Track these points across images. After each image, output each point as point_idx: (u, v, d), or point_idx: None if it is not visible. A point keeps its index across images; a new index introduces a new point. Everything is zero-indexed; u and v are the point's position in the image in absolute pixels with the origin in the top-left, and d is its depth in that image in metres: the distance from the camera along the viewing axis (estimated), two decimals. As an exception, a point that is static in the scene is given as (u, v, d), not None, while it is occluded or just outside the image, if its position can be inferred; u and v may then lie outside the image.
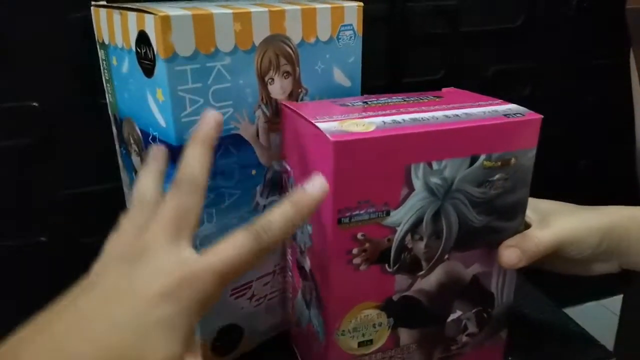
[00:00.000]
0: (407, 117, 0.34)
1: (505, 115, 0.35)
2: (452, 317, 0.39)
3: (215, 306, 0.41)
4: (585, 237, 0.38)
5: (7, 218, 0.57)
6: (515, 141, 0.35)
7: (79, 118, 0.55)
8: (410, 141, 0.32)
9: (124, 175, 0.47)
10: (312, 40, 0.39)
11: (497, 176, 0.35)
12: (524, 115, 0.35)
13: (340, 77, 0.42)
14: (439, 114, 0.35)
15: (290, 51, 0.39)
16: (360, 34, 0.43)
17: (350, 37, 0.42)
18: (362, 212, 0.32)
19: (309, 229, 0.36)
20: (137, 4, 0.38)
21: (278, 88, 0.39)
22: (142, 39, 0.34)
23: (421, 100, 0.39)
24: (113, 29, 0.38)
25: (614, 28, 0.69)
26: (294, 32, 0.38)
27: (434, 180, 0.33)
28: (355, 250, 0.34)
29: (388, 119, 0.34)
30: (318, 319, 0.37)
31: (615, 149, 0.84)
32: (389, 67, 0.64)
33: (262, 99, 0.38)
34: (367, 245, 0.34)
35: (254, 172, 0.40)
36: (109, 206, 0.58)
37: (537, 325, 0.51)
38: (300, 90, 0.40)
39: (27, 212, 0.57)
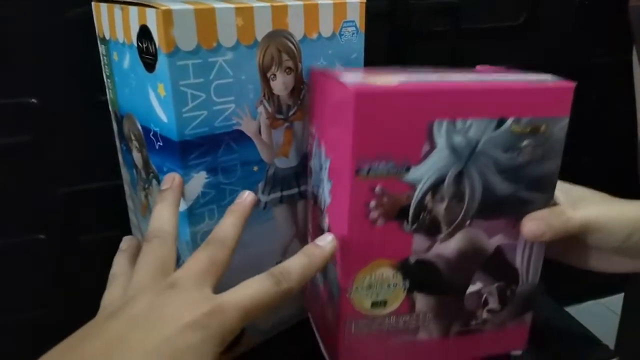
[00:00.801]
0: (435, 76, 0.34)
1: (537, 81, 0.35)
2: (472, 288, 0.38)
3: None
4: (616, 226, 0.37)
5: (6, 216, 0.56)
6: (546, 107, 0.34)
7: (78, 114, 0.55)
8: (434, 97, 0.32)
9: (124, 172, 0.46)
10: (315, 36, 0.39)
11: (525, 142, 0.34)
12: (555, 81, 0.35)
13: (342, 74, 0.42)
14: (469, 76, 0.35)
15: (293, 47, 0.38)
16: (363, 30, 0.42)
17: (353, 33, 0.41)
18: (381, 165, 0.32)
19: (329, 186, 0.36)
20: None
21: (280, 84, 0.38)
22: (144, 33, 0.34)
23: (455, 71, 0.38)
24: (114, 23, 0.38)
25: (616, 25, 0.68)
26: (296, 28, 0.38)
27: (458, 139, 0.33)
28: (372, 204, 0.33)
29: (415, 76, 0.34)
30: (333, 275, 0.36)
31: (618, 146, 0.84)
32: (391, 63, 0.64)
33: (264, 95, 0.38)
34: (385, 199, 0.33)
35: (255, 168, 0.39)
36: (109, 204, 0.58)
37: (539, 324, 0.50)
38: (302, 86, 0.40)
39: (26, 210, 0.57)
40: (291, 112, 0.40)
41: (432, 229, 0.35)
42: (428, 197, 0.34)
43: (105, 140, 0.50)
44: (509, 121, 0.33)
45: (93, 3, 0.41)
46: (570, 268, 0.43)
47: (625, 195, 0.43)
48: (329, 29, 0.40)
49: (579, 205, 0.37)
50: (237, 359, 0.45)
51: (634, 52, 0.62)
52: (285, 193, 0.42)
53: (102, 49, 0.42)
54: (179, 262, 0.41)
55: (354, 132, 0.31)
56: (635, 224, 0.37)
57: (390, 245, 0.35)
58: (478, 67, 0.43)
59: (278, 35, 0.37)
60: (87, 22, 0.44)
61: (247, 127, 0.38)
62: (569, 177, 0.39)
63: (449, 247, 0.36)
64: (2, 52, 0.51)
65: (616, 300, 0.95)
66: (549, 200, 0.37)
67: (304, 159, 0.42)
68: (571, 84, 0.35)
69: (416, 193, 0.34)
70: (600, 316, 0.92)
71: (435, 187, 0.34)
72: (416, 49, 0.65)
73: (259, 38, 0.36)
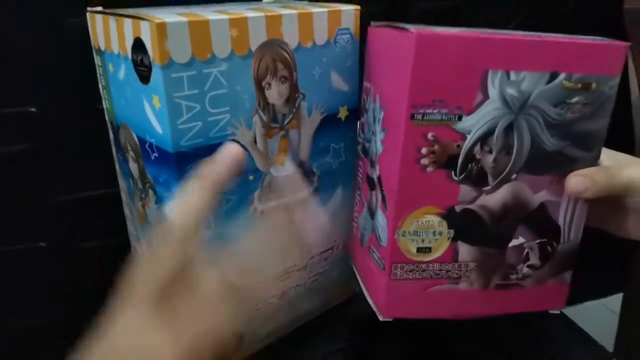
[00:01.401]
0: (499, 31, 0.35)
1: (590, 39, 0.35)
2: (514, 242, 0.38)
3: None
4: None
5: (6, 224, 0.56)
6: (598, 65, 0.35)
7: (77, 123, 0.55)
8: (491, 46, 0.33)
9: (121, 181, 0.47)
10: (309, 44, 0.39)
11: (575, 99, 0.35)
12: (608, 41, 0.35)
13: (337, 81, 0.42)
14: (531, 32, 0.35)
15: (287, 56, 0.38)
16: (357, 37, 0.42)
17: (348, 40, 0.42)
18: (435, 111, 0.33)
19: (382, 135, 0.37)
20: (133, 9, 0.38)
21: (275, 93, 0.39)
22: (138, 45, 0.34)
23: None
24: (109, 35, 0.38)
25: (612, 28, 0.69)
26: (291, 37, 0.38)
27: (510, 91, 0.33)
28: (424, 150, 0.34)
29: (479, 29, 0.35)
30: (382, 222, 0.37)
31: (614, 148, 0.84)
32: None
33: (259, 104, 0.38)
34: (436, 146, 0.34)
35: (251, 177, 0.40)
36: (109, 211, 0.58)
37: (536, 326, 0.50)
38: (297, 95, 0.40)
39: (25, 218, 0.57)
40: (286, 121, 0.40)
41: (479, 180, 0.36)
42: (477, 148, 0.35)
43: (104, 148, 0.50)
44: (561, 76, 0.34)
45: (88, 14, 0.41)
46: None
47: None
48: (324, 37, 0.40)
49: (624, 166, 0.37)
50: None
51: (629, 54, 0.62)
52: (281, 201, 0.42)
53: (97, 59, 0.43)
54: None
55: (412, 76, 0.32)
56: None
57: (438, 193, 0.36)
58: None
59: (272, 45, 0.37)
60: (85, 32, 0.44)
61: (243, 137, 0.38)
62: None
63: (494, 199, 0.37)
64: (1, 61, 0.51)
65: (614, 300, 0.95)
66: (595, 160, 0.38)
67: (300, 166, 0.43)
68: (624, 44, 0.35)
69: (466, 143, 0.34)
70: (599, 316, 0.92)
71: (484, 138, 0.35)
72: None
73: (254, 48, 0.36)
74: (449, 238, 0.37)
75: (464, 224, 0.37)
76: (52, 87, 0.53)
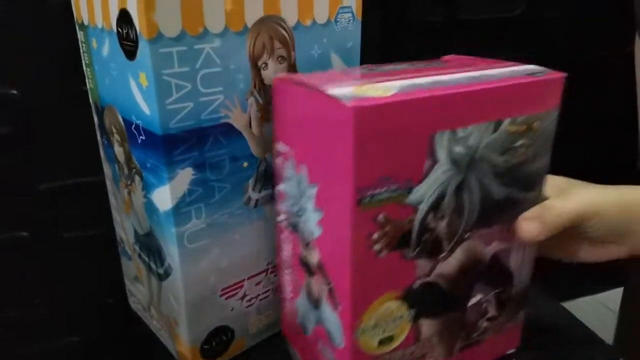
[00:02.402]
0: (426, 80, 0.31)
1: (527, 74, 0.33)
2: (473, 301, 0.37)
3: (205, 307, 0.39)
4: (605, 210, 0.36)
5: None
6: (539, 102, 0.33)
7: (60, 106, 0.52)
8: (436, 104, 0.29)
9: (106, 167, 0.44)
10: (309, 22, 0.37)
11: (520, 142, 0.33)
12: (545, 74, 0.33)
13: (337, 63, 0.40)
14: (458, 76, 0.32)
15: (286, 34, 0.36)
16: (360, 18, 0.40)
17: (349, 20, 0.39)
18: (383, 189, 0.29)
19: (317, 216, 0.33)
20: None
21: (272, 74, 0.36)
22: (124, 18, 0.31)
23: (430, 66, 0.36)
24: (92, 7, 0.35)
25: (617, 18, 0.67)
26: (290, 14, 0.36)
27: (458, 149, 0.31)
28: (375, 235, 0.30)
29: (406, 82, 0.31)
30: (332, 318, 0.34)
31: (617, 139, 0.82)
32: (385, 54, 0.62)
33: (254, 86, 0.35)
34: (388, 227, 0.30)
35: (245, 164, 0.37)
36: (92, 200, 0.55)
37: (540, 324, 0.49)
38: (295, 76, 0.37)
39: (7, 206, 0.54)
40: (284, 104, 0.38)
41: (434, 250, 0.33)
42: (430, 217, 0.32)
43: (89, 133, 0.47)
44: (506, 122, 0.32)
45: (71, -14, 0.38)
46: (565, 264, 0.41)
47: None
48: (324, 15, 0.38)
49: (567, 193, 0.36)
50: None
51: (636, 41, 0.60)
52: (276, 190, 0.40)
53: (80, 35, 0.40)
54: (163, 264, 0.38)
55: (355, 156, 0.28)
56: (621, 207, 0.36)
57: (394, 276, 0.32)
58: (445, 57, 0.41)
59: (270, 22, 0.35)
60: (68, 10, 0.41)
61: (237, 120, 0.35)
62: (566, 172, 0.38)
63: (450, 264, 0.34)
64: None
65: (608, 297, 0.94)
66: (538, 197, 0.36)
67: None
68: (561, 74, 0.33)
69: (418, 215, 0.31)
70: (597, 314, 0.91)
71: (436, 205, 0.32)
72: (411, 40, 0.63)
73: (250, 24, 0.34)
74: (409, 320, 0.34)
75: (423, 300, 0.34)
76: (35, 68, 0.51)
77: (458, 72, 0.33)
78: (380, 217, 0.30)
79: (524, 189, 0.35)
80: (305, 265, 0.35)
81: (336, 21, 0.38)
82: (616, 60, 0.75)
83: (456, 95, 0.29)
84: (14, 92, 0.51)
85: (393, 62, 0.37)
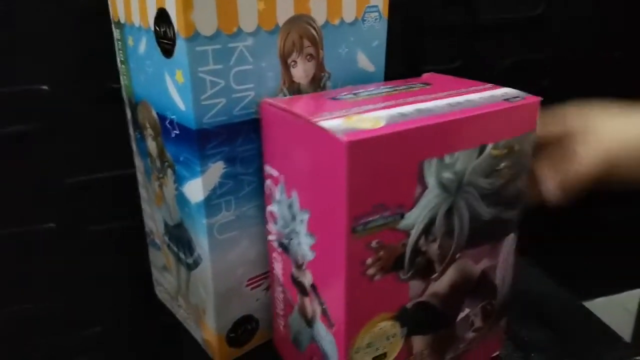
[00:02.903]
0: (410, 108, 0.32)
1: (505, 100, 0.34)
2: (461, 315, 0.38)
3: (232, 297, 0.40)
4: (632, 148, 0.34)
5: (17, 204, 0.55)
6: (519, 126, 0.34)
7: (90, 102, 0.54)
8: (424, 135, 0.30)
9: (137, 160, 0.45)
10: (337, 21, 0.38)
11: (503, 164, 0.34)
12: (523, 98, 0.35)
13: (364, 62, 0.41)
14: (441, 102, 0.33)
15: (315, 33, 0.37)
16: (386, 16, 0.41)
17: (376, 19, 0.40)
18: (376, 217, 0.30)
19: (310, 241, 0.33)
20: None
21: (301, 71, 0.37)
22: (162, 17, 0.32)
23: (412, 89, 0.37)
24: (130, 6, 0.37)
25: (636, 16, 0.67)
26: (319, 13, 0.37)
27: (446, 175, 0.32)
28: (369, 260, 0.31)
29: (393, 111, 0.32)
30: (326, 337, 0.35)
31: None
32: (406, 55, 0.62)
33: (284, 83, 0.37)
34: (381, 253, 0.32)
35: (274, 159, 0.38)
36: (120, 193, 0.57)
37: (558, 321, 0.49)
38: (323, 74, 0.39)
39: (36, 199, 0.56)
40: (311, 101, 0.39)
41: (426, 271, 0.34)
42: (422, 240, 0.33)
43: (117, 128, 0.49)
44: (489, 147, 0.33)
45: (108, -15, 0.40)
46: (580, 265, 0.42)
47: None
48: (352, 13, 0.39)
49: (588, 142, 0.35)
50: (249, 352, 0.44)
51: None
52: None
53: (116, 33, 0.41)
54: (192, 254, 0.40)
55: (348, 187, 0.28)
56: None
57: (388, 297, 0.33)
58: (425, 75, 0.42)
59: (300, 21, 0.36)
60: (101, 8, 0.43)
61: (266, 116, 0.37)
62: None
63: (442, 283, 0.35)
64: (13, 38, 0.50)
65: (630, 299, 0.94)
66: (519, 213, 0.38)
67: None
68: (537, 98, 0.35)
69: (410, 239, 0.32)
70: (615, 314, 0.91)
71: (428, 228, 0.33)
72: (431, 40, 0.63)
73: (280, 23, 0.35)
74: (402, 336, 0.35)
75: (416, 318, 0.35)
76: (66, 64, 0.52)
77: (439, 99, 0.34)
78: (374, 243, 0.31)
79: (509, 207, 0.37)
80: (299, 285, 0.36)
81: (363, 20, 0.39)
82: (637, 60, 0.75)
83: (442, 124, 0.30)
84: (45, 87, 0.53)
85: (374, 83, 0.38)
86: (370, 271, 0.31)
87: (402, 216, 0.31)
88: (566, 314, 0.51)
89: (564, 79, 0.73)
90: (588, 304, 0.54)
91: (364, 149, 0.28)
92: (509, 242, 0.39)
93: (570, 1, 0.68)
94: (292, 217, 0.34)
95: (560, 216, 0.87)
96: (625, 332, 0.88)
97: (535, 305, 0.51)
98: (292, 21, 0.35)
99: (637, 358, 0.46)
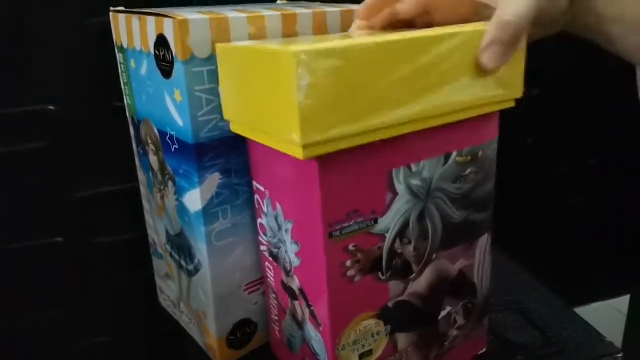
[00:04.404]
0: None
1: None
2: (443, 313, 0.40)
3: (230, 301, 0.43)
4: None
5: (25, 219, 0.58)
6: (480, 135, 0.37)
7: (94, 120, 0.57)
8: (390, 146, 0.33)
9: (141, 174, 0.48)
10: (323, 42, 0.41)
11: (469, 170, 0.37)
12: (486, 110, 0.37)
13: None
14: None
15: (302, 53, 0.40)
16: (369, 36, 0.44)
17: (360, 39, 0.43)
18: (351, 223, 0.33)
19: (294, 248, 0.36)
20: (154, 9, 0.40)
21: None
22: (161, 42, 0.36)
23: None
24: (132, 33, 0.40)
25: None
26: (306, 34, 0.40)
27: (415, 182, 0.35)
28: (348, 263, 0.34)
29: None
30: (316, 337, 0.37)
31: (627, 147, 0.85)
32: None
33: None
34: (359, 255, 0.34)
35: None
36: (124, 207, 0.60)
37: (544, 323, 0.51)
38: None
39: (44, 213, 0.59)
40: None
41: (404, 272, 0.37)
42: (397, 243, 0.35)
43: (120, 144, 0.51)
44: (454, 155, 0.36)
45: (111, 13, 0.43)
46: (576, 270, 0.44)
47: (635, 196, 0.44)
48: (337, 31, 0.42)
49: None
50: (249, 355, 0.46)
51: None
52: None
53: (119, 57, 0.44)
54: (193, 261, 0.42)
55: (322, 198, 0.31)
56: None
57: (370, 297, 0.36)
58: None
59: (288, 42, 0.39)
60: (104, 32, 0.46)
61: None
62: (578, 177, 0.40)
63: (420, 283, 0.38)
64: (22, 62, 0.53)
65: (623, 302, 0.95)
66: (490, 215, 0.40)
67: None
68: (496, 113, 0.38)
69: (386, 242, 0.35)
70: (607, 317, 0.92)
71: (402, 232, 0.35)
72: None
73: (270, 45, 0.38)
74: (387, 334, 0.38)
75: (398, 316, 0.37)
76: (71, 85, 0.55)
77: None
78: (351, 246, 0.33)
79: (478, 210, 0.39)
80: (289, 291, 0.39)
81: (348, 40, 0.42)
82: (623, 68, 0.77)
83: (408, 136, 0.33)
84: (51, 107, 0.56)
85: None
86: (350, 273, 0.34)
87: (375, 221, 0.34)
88: (552, 316, 0.52)
89: (554, 87, 0.75)
90: (583, 310, 0.56)
91: (334, 169, 0.31)
92: (483, 242, 0.41)
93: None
94: (279, 228, 0.37)
95: (555, 220, 0.89)
96: (619, 334, 0.90)
97: (521, 307, 0.53)
98: (281, 43, 0.38)
99: (619, 356, 0.47)
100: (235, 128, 0.36)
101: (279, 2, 0.52)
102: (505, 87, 0.35)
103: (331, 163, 0.31)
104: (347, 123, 0.29)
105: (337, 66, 0.28)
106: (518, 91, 0.36)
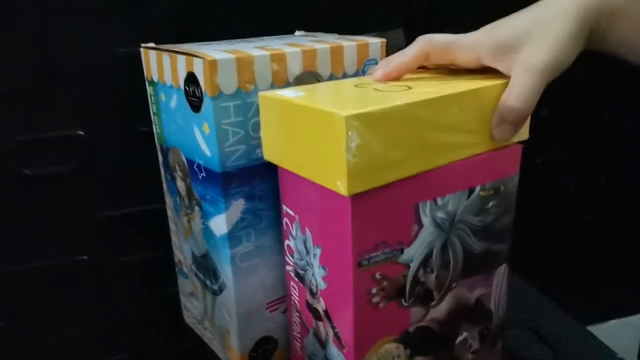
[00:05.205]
0: None
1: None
2: (460, 339, 0.42)
3: (253, 319, 0.45)
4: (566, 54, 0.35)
5: (52, 238, 0.61)
6: (503, 170, 0.40)
7: (120, 144, 0.60)
8: (418, 181, 0.35)
9: (168, 198, 0.51)
10: (340, 75, 0.43)
11: (491, 204, 0.39)
12: (506, 145, 0.40)
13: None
14: None
15: (321, 85, 0.42)
16: (383, 67, 0.46)
17: (375, 70, 0.46)
18: (379, 253, 0.35)
19: (322, 272, 0.38)
20: (182, 45, 0.43)
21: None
22: (191, 79, 0.38)
23: None
24: (162, 68, 0.43)
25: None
26: (324, 69, 0.42)
27: (440, 214, 0.37)
28: (374, 290, 0.36)
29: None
30: (339, 358, 0.39)
31: (633, 164, 0.86)
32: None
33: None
34: (384, 283, 0.36)
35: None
36: (147, 226, 0.62)
37: (555, 339, 0.52)
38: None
39: (70, 233, 0.61)
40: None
41: (426, 299, 0.39)
42: (420, 272, 0.37)
43: (145, 167, 0.54)
44: (477, 189, 0.38)
45: (142, 49, 0.46)
46: (590, 288, 0.45)
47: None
48: (353, 67, 0.44)
49: (517, 69, 0.35)
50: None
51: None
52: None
53: (149, 89, 0.47)
54: (217, 281, 0.45)
55: (353, 230, 0.33)
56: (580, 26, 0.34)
57: (392, 322, 0.38)
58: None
59: (308, 76, 0.41)
60: (130, 61, 0.49)
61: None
62: (592, 194, 0.41)
63: (440, 310, 0.40)
64: (52, 88, 0.56)
65: (638, 318, 0.96)
66: (509, 246, 0.43)
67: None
68: (519, 145, 0.40)
69: (410, 271, 0.37)
70: (624, 334, 0.92)
71: (425, 261, 0.37)
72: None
73: (291, 80, 0.41)
74: (406, 357, 0.39)
75: (418, 341, 0.39)
76: (98, 111, 0.58)
77: None
78: (378, 275, 0.35)
79: (498, 241, 0.41)
80: (313, 311, 0.41)
81: (364, 72, 0.45)
82: (629, 88, 0.79)
83: (434, 171, 0.35)
84: (80, 132, 0.59)
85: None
86: (375, 299, 0.36)
87: (402, 251, 0.36)
88: (563, 332, 0.54)
89: (561, 106, 0.77)
90: (600, 327, 0.56)
91: (365, 205, 0.33)
92: (501, 271, 0.43)
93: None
94: (307, 252, 0.39)
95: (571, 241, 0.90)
96: (634, 349, 0.90)
97: (532, 324, 0.55)
98: (301, 77, 0.41)
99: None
100: (270, 158, 0.38)
101: (297, 33, 0.55)
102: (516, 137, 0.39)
103: (363, 197, 0.33)
104: (387, 173, 0.33)
105: (384, 127, 0.31)
106: (524, 134, 0.40)
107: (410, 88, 0.36)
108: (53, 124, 0.58)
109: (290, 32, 0.55)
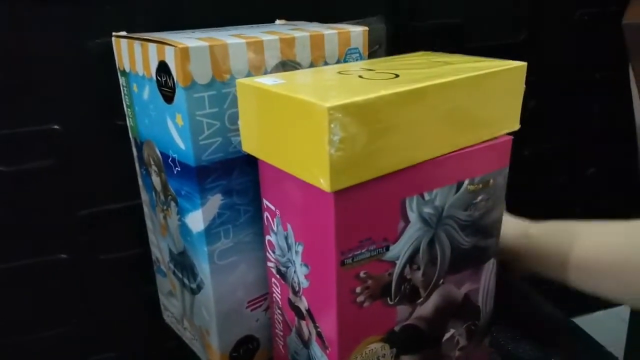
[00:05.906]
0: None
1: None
2: (447, 335, 0.41)
3: (233, 318, 0.43)
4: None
5: (30, 236, 0.59)
6: (492, 163, 0.38)
7: (98, 139, 0.58)
8: (404, 176, 0.34)
9: (143, 194, 0.49)
10: (321, 63, 0.42)
11: (479, 198, 0.38)
12: (496, 137, 0.38)
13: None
14: None
15: (300, 75, 0.41)
16: (366, 56, 0.45)
17: (357, 59, 0.44)
18: (363, 250, 0.33)
19: (304, 270, 0.36)
20: (155, 34, 0.41)
21: (289, 110, 0.41)
22: (163, 68, 0.37)
23: None
24: (134, 58, 0.41)
25: (616, 41, 0.70)
26: (304, 57, 0.41)
27: (427, 210, 0.35)
28: (358, 289, 0.34)
29: None
30: (322, 358, 0.38)
31: (620, 157, 0.85)
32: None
33: (274, 121, 0.40)
34: (369, 282, 0.35)
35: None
36: (127, 223, 0.61)
37: (543, 334, 0.52)
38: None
39: (48, 231, 0.59)
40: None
41: (412, 297, 0.37)
42: (407, 269, 0.36)
43: (123, 163, 0.52)
44: (466, 183, 0.37)
45: (113, 38, 0.44)
46: None
47: (626, 203, 0.44)
48: (334, 56, 0.43)
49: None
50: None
51: (630, 67, 0.63)
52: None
53: (122, 80, 0.45)
54: (195, 279, 0.43)
55: (336, 227, 0.32)
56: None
57: (377, 321, 0.36)
58: None
59: (287, 65, 0.40)
60: (106, 53, 0.47)
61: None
62: (575, 187, 0.41)
63: (427, 307, 0.39)
64: (27, 82, 0.54)
65: (625, 310, 0.95)
66: (497, 241, 0.42)
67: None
68: (509, 137, 0.39)
69: (396, 269, 0.36)
70: (610, 325, 0.92)
71: (412, 258, 0.36)
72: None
73: (269, 69, 0.39)
74: (392, 357, 0.38)
75: (404, 339, 0.38)
76: (75, 105, 0.56)
77: None
78: (362, 273, 0.34)
79: (486, 236, 0.40)
80: (296, 310, 0.39)
81: (345, 61, 0.43)
82: (620, 80, 0.79)
83: (421, 165, 0.34)
84: (56, 127, 0.57)
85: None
86: (360, 298, 0.35)
87: (387, 249, 0.34)
88: (550, 326, 0.53)
89: (549, 100, 0.76)
90: (586, 318, 0.56)
91: (349, 193, 0.31)
92: (489, 266, 0.42)
93: (551, 28, 0.72)
94: (288, 248, 0.38)
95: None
96: (622, 341, 0.90)
97: (519, 318, 0.54)
98: (280, 66, 0.39)
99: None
100: (249, 149, 0.37)
101: (277, 22, 0.53)
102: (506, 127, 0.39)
103: (346, 193, 0.31)
104: (372, 167, 0.31)
105: (369, 119, 0.29)
106: (515, 124, 0.40)
107: (397, 76, 0.35)
108: (28, 118, 0.56)
109: (271, 22, 0.53)
